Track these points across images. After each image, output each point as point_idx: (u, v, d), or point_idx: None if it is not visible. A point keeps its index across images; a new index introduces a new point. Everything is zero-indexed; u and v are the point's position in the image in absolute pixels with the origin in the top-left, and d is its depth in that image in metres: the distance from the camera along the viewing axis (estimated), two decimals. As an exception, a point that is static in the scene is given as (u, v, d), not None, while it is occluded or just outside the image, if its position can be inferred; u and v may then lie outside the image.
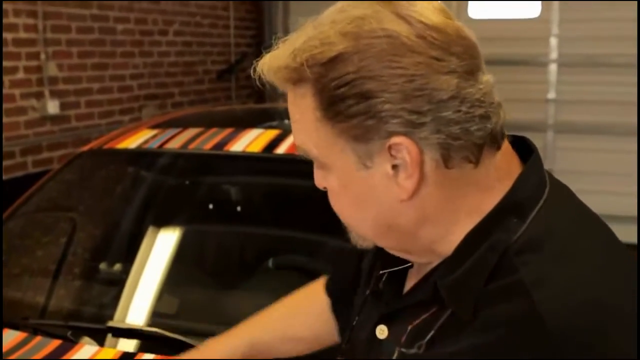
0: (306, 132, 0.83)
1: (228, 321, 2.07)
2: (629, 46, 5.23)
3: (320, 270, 2.26)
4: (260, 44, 6.78)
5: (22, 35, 4.22)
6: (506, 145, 0.85)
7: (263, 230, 2.54)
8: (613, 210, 5.44)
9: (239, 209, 2.69)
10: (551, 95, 5.77)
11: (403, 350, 0.85)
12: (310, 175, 2.43)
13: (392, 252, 0.91)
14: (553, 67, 5.73)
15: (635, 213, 5.19)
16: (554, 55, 5.71)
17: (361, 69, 0.76)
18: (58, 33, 4.47)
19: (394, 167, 0.79)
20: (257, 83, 0.84)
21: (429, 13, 0.79)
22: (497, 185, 0.82)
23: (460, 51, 0.79)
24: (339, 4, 0.82)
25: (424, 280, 0.87)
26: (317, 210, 2.43)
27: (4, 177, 4.14)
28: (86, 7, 4.67)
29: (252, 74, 0.84)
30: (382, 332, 0.90)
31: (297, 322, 1.33)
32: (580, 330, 0.72)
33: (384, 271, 0.96)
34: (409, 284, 0.93)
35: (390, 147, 0.78)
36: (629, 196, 5.32)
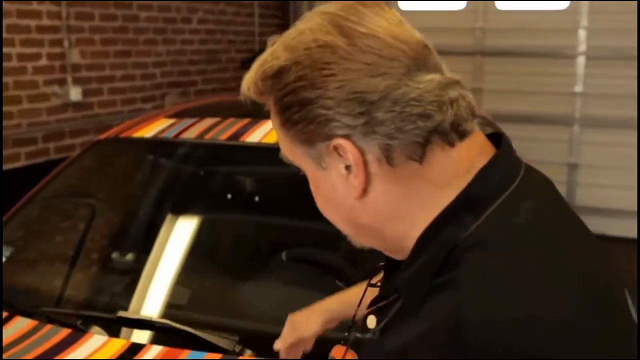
0: (280, 139, 0.89)
1: (239, 314, 2.07)
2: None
3: (335, 262, 2.25)
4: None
5: (46, 22, 4.24)
6: (474, 141, 0.85)
7: (277, 221, 2.52)
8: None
9: (253, 200, 2.68)
10: (578, 88, 5.67)
11: (358, 335, 0.89)
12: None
13: (383, 251, 0.94)
14: (581, 60, 5.64)
15: (635, 207, 5.14)
16: (582, 47, 5.61)
17: (299, 79, 0.82)
18: (81, 20, 4.48)
19: (347, 167, 0.83)
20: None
21: (369, 21, 0.83)
22: (456, 181, 0.82)
23: (394, 54, 0.81)
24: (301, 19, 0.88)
25: (395, 274, 0.89)
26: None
27: (26, 162, 4.17)
28: (110, -6, 4.68)
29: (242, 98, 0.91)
30: (371, 322, 0.91)
31: None
32: (492, 341, 0.71)
33: (381, 264, 0.98)
34: None
35: (336, 148, 0.82)
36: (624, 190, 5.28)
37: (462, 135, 0.83)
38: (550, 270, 0.77)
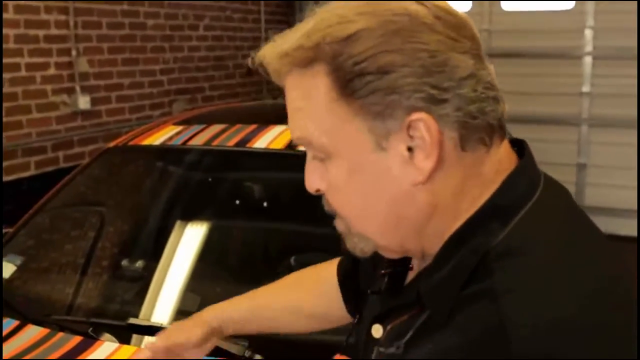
0: (313, 117, 0.81)
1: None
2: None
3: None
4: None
5: (54, 31, 4.27)
6: (506, 142, 0.84)
7: (286, 227, 2.53)
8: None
9: (261, 206, 2.69)
10: (586, 88, 5.67)
11: (381, 349, 0.85)
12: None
13: (390, 254, 0.89)
14: (588, 60, 5.63)
15: (636, 206, 5.12)
16: (588, 47, 5.61)
17: (381, 44, 0.76)
18: (89, 29, 4.51)
19: (410, 149, 0.77)
20: (261, 71, 0.84)
21: (438, 1, 0.81)
22: (496, 180, 0.81)
23: (470, 35, 0.80)
24: None
25: (413, 282, 0.86)
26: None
27: (36, 171, 4.20)
28: (117, 2, 4.71)
29: (249, 65, 0.84)
30: (377, 331, 0.88)
31: (304, 296, 1.30)
32: (540, 347, 0.70)
33: (385, 271, 0.94)
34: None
35: (409, 126, 0.76)
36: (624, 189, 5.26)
37: (505, 130, 0.83)
38: (582, 277, 0.76)
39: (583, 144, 5.72)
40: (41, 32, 4.18)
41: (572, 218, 0.86)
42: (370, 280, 1.02)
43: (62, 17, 4.31)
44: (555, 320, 0.71)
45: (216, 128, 2.52)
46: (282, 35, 0.82)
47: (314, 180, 0.86)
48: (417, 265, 0.91)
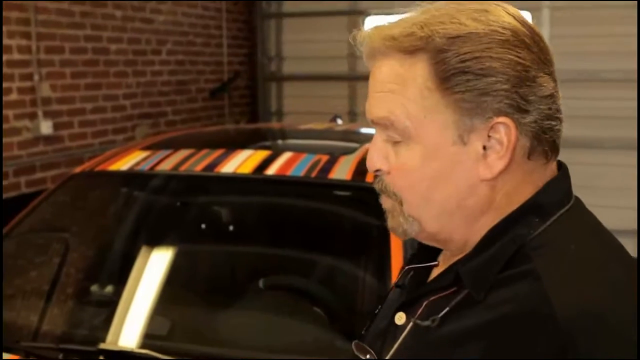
0: (403, 101, 0.87)
1: (219, 342, 2.10)
2: (619, 61, 5.29)
3: (312, 289, 2.29)
4: (253, 63, 6.81)
5: (16, 56, 4.25)
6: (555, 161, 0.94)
7: (253, 250, 2.55)
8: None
9: (229, 230, 2.71)
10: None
11: (418, 321, 0.89)
12: (299, 196, 2.45)
13: (430, 242, 0.95)
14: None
15: (635, 226, 5.22)
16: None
17: (487, 50, 0.84)
18: (51, 54, 4.50)
19: (484, 147, 0.86)
20: (356, 47, 0.92)
21: (531, 24, 0.90)
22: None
23: (552, 61, 0.90)
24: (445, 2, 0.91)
25: (447, 270, 0.92)
26: (306, 230, 2.45)
27: (-2, 197, 4.15)
28: (80, 27, 4.70)
29: (351, 41, 0.92)
30: (400, 318, 0.94)
31: None
32: (588, 321, 0.77)
33: (410, 266, 1.02)
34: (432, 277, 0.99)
35: (492, 127, 0.85)
36: (623, 210, 5.35)
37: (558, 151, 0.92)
38: (611, 275, 0.85)
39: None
40: (3, 57, 4.15)
41: (599, 229, 0.93)
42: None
43: (24, 42, 4.30)
44: (598, 301, 0.79)
45: (183, 153, 2.54)
46: (389, 22, 0.90)
47: (378, 159, 0.92)
48: (443, 262, 0.98)
